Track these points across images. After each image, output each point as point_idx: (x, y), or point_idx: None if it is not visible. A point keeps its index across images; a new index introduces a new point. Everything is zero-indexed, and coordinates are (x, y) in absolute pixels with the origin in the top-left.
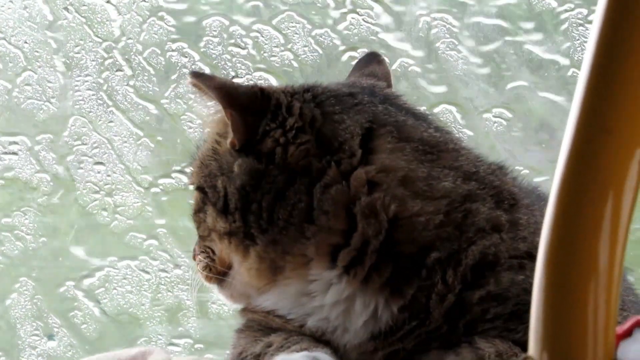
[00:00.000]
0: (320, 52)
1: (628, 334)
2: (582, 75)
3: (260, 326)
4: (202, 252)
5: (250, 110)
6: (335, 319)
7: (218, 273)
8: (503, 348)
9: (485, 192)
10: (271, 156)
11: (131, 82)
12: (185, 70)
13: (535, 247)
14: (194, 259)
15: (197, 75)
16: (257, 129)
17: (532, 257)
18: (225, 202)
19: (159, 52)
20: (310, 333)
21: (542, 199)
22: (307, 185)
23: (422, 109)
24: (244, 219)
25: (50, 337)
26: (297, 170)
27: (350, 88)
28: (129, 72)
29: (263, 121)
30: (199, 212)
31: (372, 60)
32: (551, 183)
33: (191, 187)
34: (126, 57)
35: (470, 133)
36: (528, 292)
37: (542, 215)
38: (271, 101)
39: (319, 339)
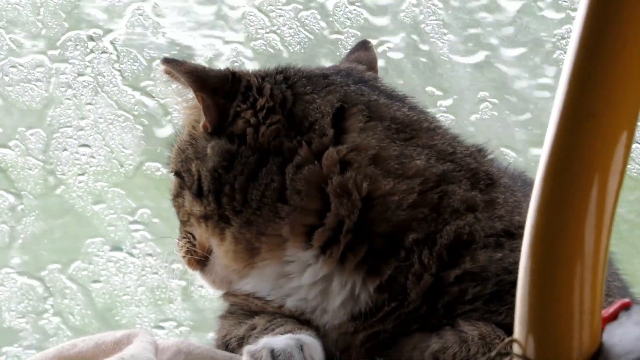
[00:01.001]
0: (307, 34)
1: (614, 317)
2: (568, 59)
3: (243, 310)
4: (183, 237)
5: (221, 92)
6: (313, 299)
7: (199, 258)
8: (486, 331)
9: (461, 175)
10: (243, 137)
11: (116, 65)
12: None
13: (513, 225)
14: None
15: (168, 61)
16: (228, 111)
17: (510, 234)
18: (199, 185)
19: (144, 34)
20: (290, 313)
21: (528, 184)
22: (279, 166)
23: (410, 95)
24: (218, 201)
25: None
26: (269, 150)
27: (325, 70)
28: (114, 55)
29: (234, 103)
30: (177, 197)
31: (360, 47)
32: (537, 166)
33: (171, 173)
34: (111, 40)
35: (453, 117)
36: (508, 271)
37: (526, 198)
38: (242, 83)
39: (302, 321)
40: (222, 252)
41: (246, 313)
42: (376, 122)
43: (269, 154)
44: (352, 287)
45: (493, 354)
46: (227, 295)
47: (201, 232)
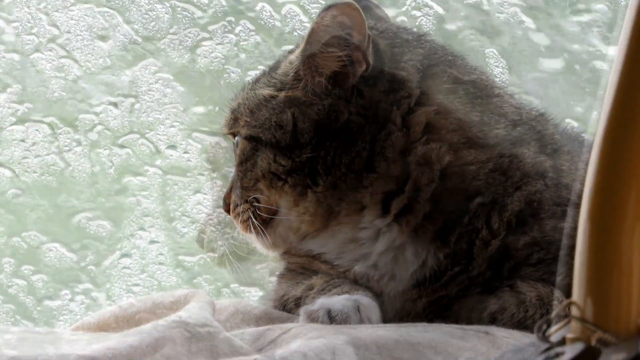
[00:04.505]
0: None
1: None
2: (619, 51)
3: (303, 269)
4: (245, 202)
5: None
6: (384, 266)
7: (263, 221)
8: (544, 292)
9: (529, 137)
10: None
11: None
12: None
13: (577, 195)
14: (227, 210)
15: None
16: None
17: (574, 204)
18: (294, 135)
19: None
20: (354, 278)
21: (585, 146)
22: (373, 133)
23: None
24: (316, 151)
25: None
26: (367, 115)
27: (388, 24)
28: (166, 17)
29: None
30: (245, 162)
31: (369, 6)
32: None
33: (236, 138)
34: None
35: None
36: (570, 236)
37: (584, 163)
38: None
39: (360, 283)
40: (296, 213)
41: (303, 272)
42: (457, 85)
43: (366, 120)
44: (426, 256)
45: (552, 315)
46: (288, 255)
47: (270, 194)
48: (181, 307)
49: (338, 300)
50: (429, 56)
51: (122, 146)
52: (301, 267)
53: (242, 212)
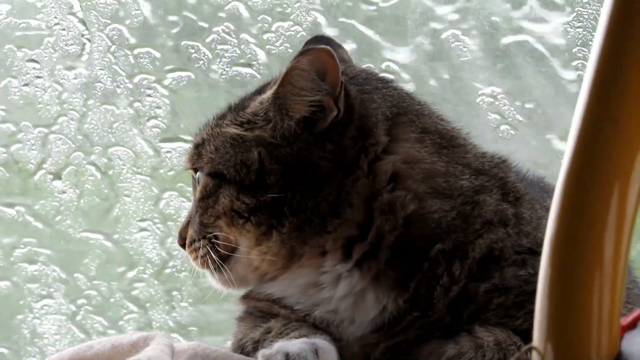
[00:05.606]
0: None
1: (632, 325)
2: (590, 65)
3: (262, 313)
4: (203, 237)
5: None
6: (344, 311)
7: (220, 258)
8: (502, 337)
9: (491, 184)
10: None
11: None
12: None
13: (537, 243)
14: (182, 244)
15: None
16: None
17: (533, 253)
18: (260, 175)
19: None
20: (313, 322)
21: (546, 191)
22: (339, 179)
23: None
24: (282, 192)
25: None
26: (335, 160)
27: (361, 71)
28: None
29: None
30: (207, 198)
31: (334, 45)
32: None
33: (197, 173)
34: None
35: None
36: (529, 282)
37: (545, 209)
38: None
39: (318, 327)
40: (257, 252)
41: (263, 315)
42: (424, 135)
43: (334, 165)
44: (386, 301)
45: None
46: (248, 299)
47: (230, 232)
48: (140, 349)
49: (295, 344)
50: (397, 104)
51: (106, 146)
52: (260, 310)
53: (199, 247)
